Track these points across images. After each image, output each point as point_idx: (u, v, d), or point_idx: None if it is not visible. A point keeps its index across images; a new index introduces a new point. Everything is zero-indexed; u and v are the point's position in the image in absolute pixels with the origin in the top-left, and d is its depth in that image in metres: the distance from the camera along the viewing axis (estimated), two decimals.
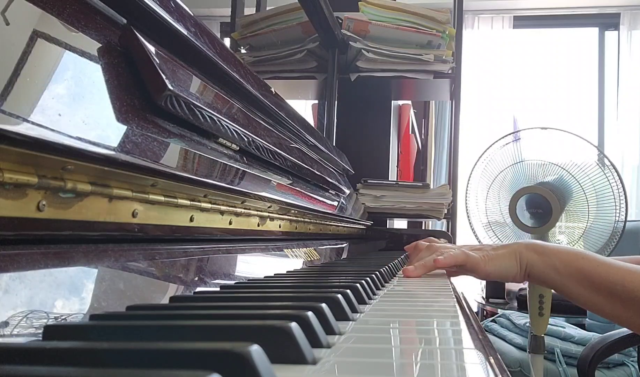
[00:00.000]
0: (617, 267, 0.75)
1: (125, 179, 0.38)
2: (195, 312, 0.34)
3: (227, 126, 0.54)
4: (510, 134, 1.75)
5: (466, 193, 1.77)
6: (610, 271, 0.75)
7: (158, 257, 0.43)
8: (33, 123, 0.29)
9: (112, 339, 0.27)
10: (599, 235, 1.63)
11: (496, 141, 1.75)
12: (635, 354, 1.89)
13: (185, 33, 0.50)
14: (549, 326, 1.65)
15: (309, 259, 0.85)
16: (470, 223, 1.77)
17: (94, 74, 0.37)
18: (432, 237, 1.12)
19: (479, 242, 1.75)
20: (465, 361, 0.28)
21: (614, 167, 1.62)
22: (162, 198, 0.43)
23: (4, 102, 0.28)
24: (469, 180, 1.77)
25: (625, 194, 1.61)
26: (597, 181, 1.62)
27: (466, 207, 1.78)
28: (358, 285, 0.49)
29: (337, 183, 1.09)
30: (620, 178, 1.62)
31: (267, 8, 1.95)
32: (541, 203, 1.60)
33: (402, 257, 1.15)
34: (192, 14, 0.52)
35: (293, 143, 0.85)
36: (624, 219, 1.61)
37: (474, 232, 1.77)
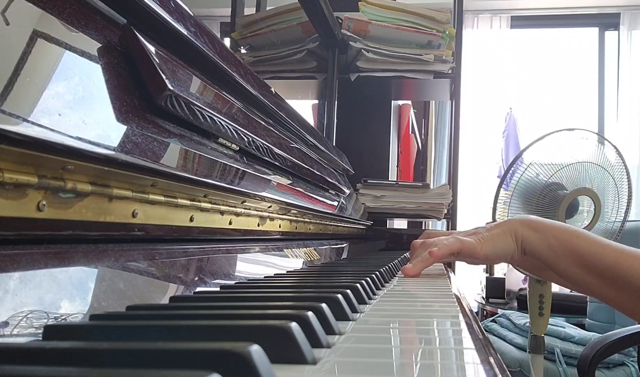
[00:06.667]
0: (612, 248, 0.72)
1: (125, 179, 0.38)
2: (195, 312, 0.34)
3: (227, 126, 0.54)
4: (538, 140, 1.66)
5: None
6: (605, 251, 0.72)
7: (158, 257, 0.43)
8: (33, 123, 0.29)
9: (112, 339, 0.27)
10: (612, 233, 1.63)
11: (532, 144, 1.63)
12: (635, 354, 1.90)
13: (185, 33, 0.50)
14: (549, 326, 1.65)
15: (309, 259, 0.85)
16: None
17: (94, 74, 0.37)
18: (428, 230, 1.10)
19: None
20: (465, 361, 0.28)
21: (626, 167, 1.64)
22: (162, 198, 0.43)
23: (4, 102, 0.28)
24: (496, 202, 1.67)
25: (630, 193, 1.63)
26: (618, 179, 1.63)
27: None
28: (358, 285, 0.49)
29: (337, 183, 1.09)
30: (629, 178, 1.64)
31: (267, 8, 1.95)
32: (575, 205, 1.58)
33: (402, 257, 1.15)
34: (192, 14, 0.52)
35: (293, 143, 0.85)
36: (622, 219, 1.62)
37: None
